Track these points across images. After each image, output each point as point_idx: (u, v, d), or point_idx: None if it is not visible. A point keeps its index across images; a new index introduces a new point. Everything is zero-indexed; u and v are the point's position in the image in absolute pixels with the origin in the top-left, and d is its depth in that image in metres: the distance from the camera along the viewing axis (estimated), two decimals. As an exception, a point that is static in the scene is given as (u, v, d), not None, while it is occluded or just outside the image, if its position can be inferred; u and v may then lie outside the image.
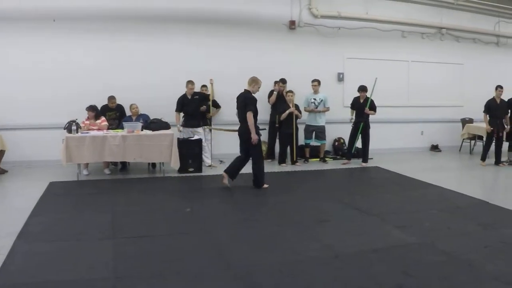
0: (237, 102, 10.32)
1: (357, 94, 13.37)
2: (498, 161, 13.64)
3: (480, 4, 16.02)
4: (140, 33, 13.02)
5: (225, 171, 10.36)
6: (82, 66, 12.56)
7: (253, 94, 10.15)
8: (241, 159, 10.39)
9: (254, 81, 10.23)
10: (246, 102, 10.03)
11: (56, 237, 6.88)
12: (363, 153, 13.66)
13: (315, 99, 13.63)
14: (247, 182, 10.43)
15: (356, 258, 6.10)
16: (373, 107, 13.36)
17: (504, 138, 13.94)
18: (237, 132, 10.37)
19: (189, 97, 12.31)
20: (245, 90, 10.27)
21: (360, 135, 13.37)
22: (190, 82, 12.30)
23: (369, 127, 13.43)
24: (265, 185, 10.22)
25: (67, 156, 10.60)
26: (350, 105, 13.77)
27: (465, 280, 5.45)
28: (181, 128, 12.26)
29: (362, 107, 13.28)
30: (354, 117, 13.54)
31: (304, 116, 13.79)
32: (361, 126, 13.27)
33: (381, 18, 15.14)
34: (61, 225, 7.45)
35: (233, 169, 10.36)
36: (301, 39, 14.61)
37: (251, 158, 10.32)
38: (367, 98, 13.35)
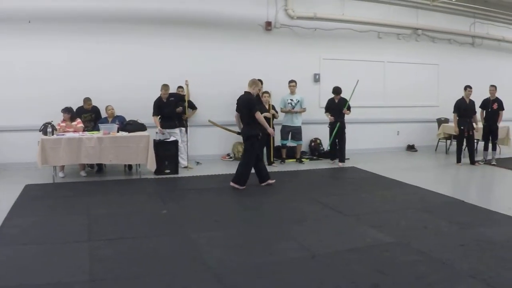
0: (237, 104, 10.46)
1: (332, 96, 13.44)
2: (473, 161, 13.77)
3: (456, 5, 16.13)
4: (115, 34, 12.89)
5: (260, 182, 10.62)
6: (57, 68, 12.41)
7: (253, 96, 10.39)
8: (256, 163, 10.57)
9: (255, 83, 10.46)
10: (250, 104, 10.19)
11: (31, 240, 6.80)
12: (340, 153, 13.73)
13: (292, 99, 13.64)
14: (223, 184, 10.43)
15: (333, 258, 6.12)
16: (348, 107, 13.47)
17: (481, 138, 14.20)
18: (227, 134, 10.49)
19: (165, 100, 12.25)
20: (245, 92, 10.42)
21: (336, 135, 13.45)
22: (164, 87, 12.21)
23: (345, 127, 13.52)
24: (242, 187, 10.20)
25: (43, 158, 10.52)
26: (325, 108, 13.85)
27: (440, 278, 5.48)
28: (163, 131, 12.19)
29: (339, 108, 13.39)
30: (329, 118, 13.65)
31: (281, 116, 13.78)
32: (337, 126, 13.34)
33: (357, 19, 15.17)
34: (37, 228, 7.38)
35: (260, 174, 10.63)
36: (277, 40, 14.60)
37: (244, 156, 10.56)
38: (342, 99, 13.47)
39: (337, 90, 13.53)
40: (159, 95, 12.27)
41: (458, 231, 7.42)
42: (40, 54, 12.33)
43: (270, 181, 10.59)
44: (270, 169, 12.34)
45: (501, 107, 13.84)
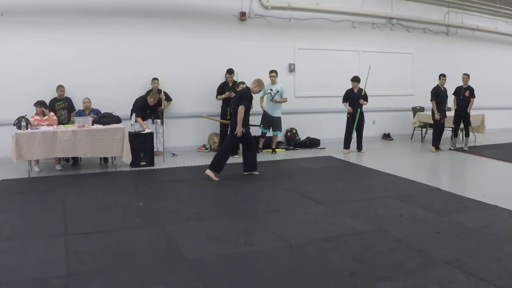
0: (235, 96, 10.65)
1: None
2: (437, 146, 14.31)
3: (430, -6, 16.22)
4: (85, 25, 12.66)
5: (245, 171, 10.78)
6: (29, 61, 12.22)
7: (252, 93, 10.45)
8: (245, 152, 10.79)
9: (258, 83, 10.55)
10: (241, 96, 10.30)
11: (6, 235, 6.74)
12: (358, 142, 14.03)
13: (271, 89, 13.56)
14: (199, 175, 10.43)
15: (309, 247, 6.15)
16: (365, 97, 13.71)
17: (452, 123, 14.56)
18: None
19: (151, 104, 12.36)
20: (246, 86, 10.60)
21: (357, 125, 13.72)
22: (153, 95, 12.38)
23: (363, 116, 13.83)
24: (216, 178, 10.21)
25: (17, 153, 10.42)
26: (343, 98, 13.96)
27: (417, 265, 5.54)
28: (148, 125, 12.26)
29: (358, 97, 13.61)
30: (347, 109, 13.83)
31: (263, 104, 13.90)
32: (358, 114, 13.57)
33: (332, 9, 15.14)
34: (12, 223, 7.31)
35: (247, 164, 10.78)
36: (252, 31, 14.55)
37: (223, 144, 10.85)
38: (360, 89, 13.67)
39: (357, 78, 13.71)
40: (143, 97, 12.42)
41: (434, 218, 7.49)
42: (12, 49, 12.15)
43: (254, 172, 10.70)
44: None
45: (472, 94, 14.16)
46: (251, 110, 12.15)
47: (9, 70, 12.06)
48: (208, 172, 10.23)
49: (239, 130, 10.15)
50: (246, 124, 10.41)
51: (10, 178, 10.51)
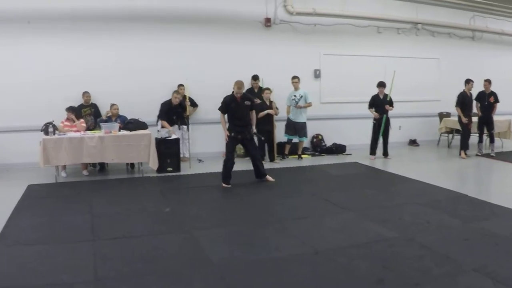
0: None
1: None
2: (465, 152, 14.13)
3: (455, -2, 16.10)
4: (112, 31, 12.86)
5: (257, 177, 10.82)
6: (56, 68, 12.38)
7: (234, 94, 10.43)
8: (251, 159, 10.81)
9: (235, 84, 10.40)
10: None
11: (35, 240, 6.80)
12: (384, 148, 13.96)
13: (295, 95, 13.51)
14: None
15: (336, 254, 6.13)
16: (391, 103, 13.69)
17: (477, 129, 14.44)
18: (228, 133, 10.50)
19: (173, 105, 12.47)
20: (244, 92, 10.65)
21: (384, 130, 13.66)
22: (175, 93, 12.55)
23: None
24: (226, 185, 10.31)
25: (45, 158, 10.53)
26: (368, 104, 13.90)
27: (445, 272, 5.49)
28: (171, 132, 12.29)
29: (384, 103, 13.57)
30: (374, 115, 13.76)
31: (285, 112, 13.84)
32: (384, 120, 13.51)
33: (357, 14, 15.13)
34: (40, 228, 7.38)
35: (257, 171, 10.80)
36: (277, 37, 14.57)
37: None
38: (386, 94, 13.65)
39: (383, 84, 13.68)
40: (169, 99, 12.48)
41: (462, 225, 7.42)
42: (41, 56, 12.31)
43: (267, 179, 10.71)
44: (271, 165, 12.37)
45: (496, 99, 14.11)
46: (276, 116, 12.21)
47: (36, 77, 12.24)
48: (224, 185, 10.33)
49: (225, 133, 10.41)
50: (234, 128, 10.44)
51: (38, 183, 10.61)
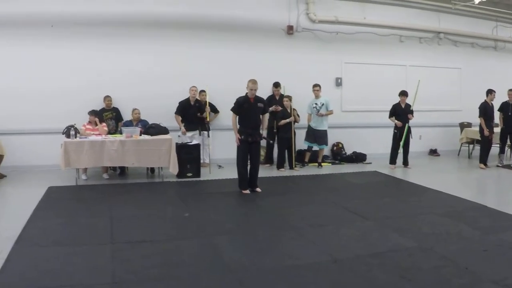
0: None
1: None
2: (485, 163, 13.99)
3: (478, 8, 15.99)
4: (135, 37, 13.05)
5: (248, 186, 10.51)
6: (78, 72, 12.55)
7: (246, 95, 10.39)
8: (250, 166, 10.62)
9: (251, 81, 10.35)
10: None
11: (54, 242, 6.85)
12: (404, 157, 13.93)
13: (316, 103, 13.54)
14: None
15: (355, 263, 6.10)
16: (411, 111, 13.62)
17: (499, 140, 14.32)
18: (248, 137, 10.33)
19: (192, 103, 12.61)
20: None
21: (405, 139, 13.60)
22: (193, 88, 12.64)
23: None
24: (243, 191, 10.31)
25: (66, 161, 10.61)
26: (389, 113, 13.88)
27: (463, 284, 5.44)
28: (185, 132, 12.36)
29: (406, 112, 13.56)
30: (396, 124, 13.71)
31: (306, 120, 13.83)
32: (406, 129, 13.50)
33: (379, 23, 15.16)
34: (60, 230, 7.45)
35: (250, 179, 10.54)
36: (299, 44, 14.62)
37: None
38: (408, 104, 13.64)
39: (405, 92, 13.69)
40: (187, 97, 12.57)
41: (481, 236, 7.35)
42: (64, 59, 12.50)
43: (255, 190, 10.49)
44: (291, 173, 12.38)
45: None
46: (297, 124, 12.22)
47: (58, 81, 12.38)
48: (243, 191, 10.31)
49: (236, 136, 10.20)
50: (244, 130, 10.24)
51: (58, 185, 10.71)
